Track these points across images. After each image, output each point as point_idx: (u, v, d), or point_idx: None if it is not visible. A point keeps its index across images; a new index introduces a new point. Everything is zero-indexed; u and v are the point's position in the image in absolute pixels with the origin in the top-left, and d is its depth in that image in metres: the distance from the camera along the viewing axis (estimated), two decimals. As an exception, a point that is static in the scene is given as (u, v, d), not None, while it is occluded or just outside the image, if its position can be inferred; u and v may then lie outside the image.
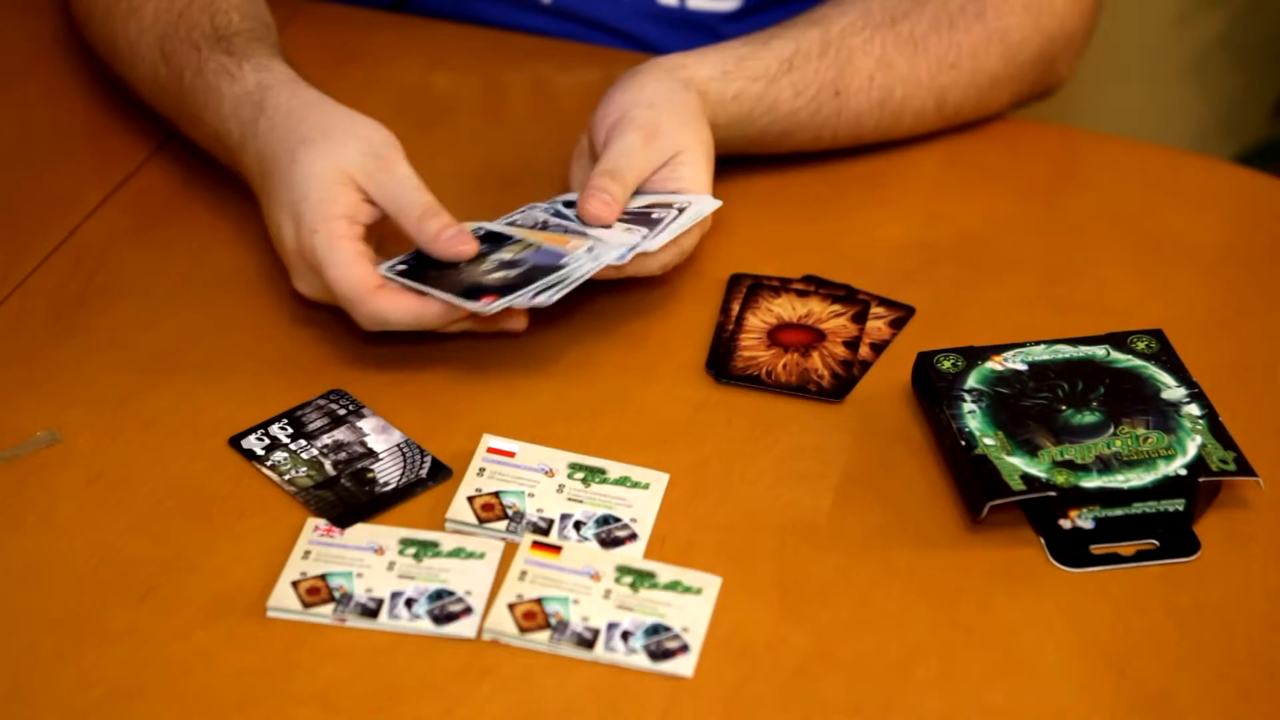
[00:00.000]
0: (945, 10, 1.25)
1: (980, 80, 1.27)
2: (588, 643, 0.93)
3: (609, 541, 0.99)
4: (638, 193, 1.12)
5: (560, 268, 1.05)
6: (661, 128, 1.12)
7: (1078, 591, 0.97)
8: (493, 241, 1.09)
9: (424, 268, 1.07)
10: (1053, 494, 0.98)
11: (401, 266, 1.07)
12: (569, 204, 1.12)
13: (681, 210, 1.09)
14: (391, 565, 0.97)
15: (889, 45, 1.23)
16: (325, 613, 0.95)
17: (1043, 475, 0.99)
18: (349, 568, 0.97)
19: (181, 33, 1.18)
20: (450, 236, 1.06)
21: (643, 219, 1.09)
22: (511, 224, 1.11)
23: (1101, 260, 1.22)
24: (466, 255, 1.06)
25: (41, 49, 1.40)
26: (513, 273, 1.05)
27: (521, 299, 1.03)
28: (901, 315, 1.16)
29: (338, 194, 1.07)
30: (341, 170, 1.07)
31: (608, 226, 1.09)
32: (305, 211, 1.06)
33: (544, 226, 1.10)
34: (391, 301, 1.05)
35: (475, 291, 1.04)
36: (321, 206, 1.06)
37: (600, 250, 1.06)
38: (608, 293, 1.14)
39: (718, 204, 1.11)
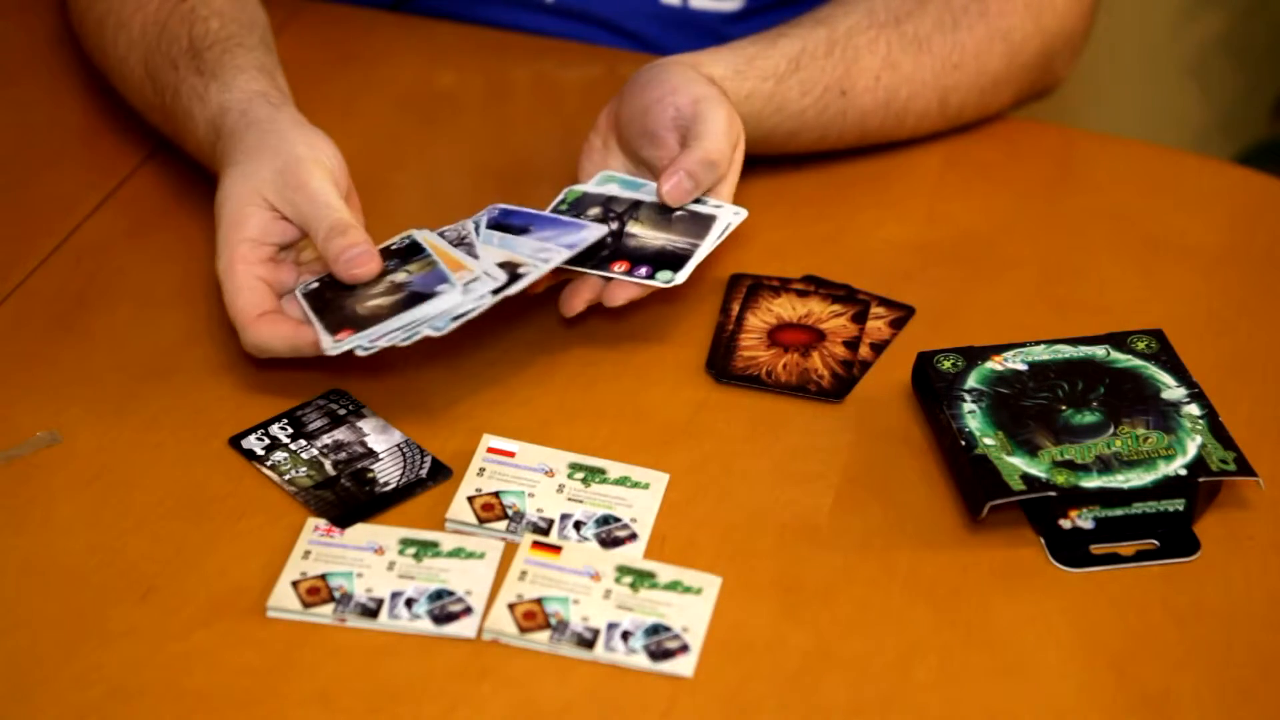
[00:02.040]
0: (948, 10, 1.25)
1: (983, 80, 1.27)
2: (588, 643, 0.93)
3: (609, 541, 0.99)
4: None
5: (432, 295, 1.03)
6: (732, 111, 1.13)
7: (1078, 591, 0.97)
8: (406, 256, 1.07)
9: (327, 289, 1.06)
10: (1053, 494, 0.98)
11: (314, 285, 1.06)
12: (503, 220, 1.10)
13: (711, 219, 1.09)
14: (391, 565, 0.97)
15: (894, 45, 1.23)
16: (325, 613, 0.95)
17: (1043, 475, 0.99)
18: (349, 568, 0.97)
19: (163, 49, 1.18)
20: (349, 258, 1.04)
21: (679, 223, 1.09)
22: (441, 234, 1.09)
23: (1101, 260, 1.22)
24: (363, 277, 1.04)
25: (40, 50, 1.40)
26: (387, 300, 1.04)
27: (369, 340, 1.01)
28: (901, 315, 1.16)
29: (246, 215, 1.06)
30: (253, 190, 1.06)
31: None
32: (219, 235, 1.06)
33: (461, 241, 1.08)
34: (270, 329, 1.04)
35: (341, 322, 1.03)
36: (227, 230, 1.06)
37: (478, 286, 1.03)
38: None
39: (744, 214, 1.11)
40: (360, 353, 1.01)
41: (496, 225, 1.09)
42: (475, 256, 1.06)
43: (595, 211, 1.11)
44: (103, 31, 1.25)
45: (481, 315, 1.02)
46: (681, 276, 1.06)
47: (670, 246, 1.08)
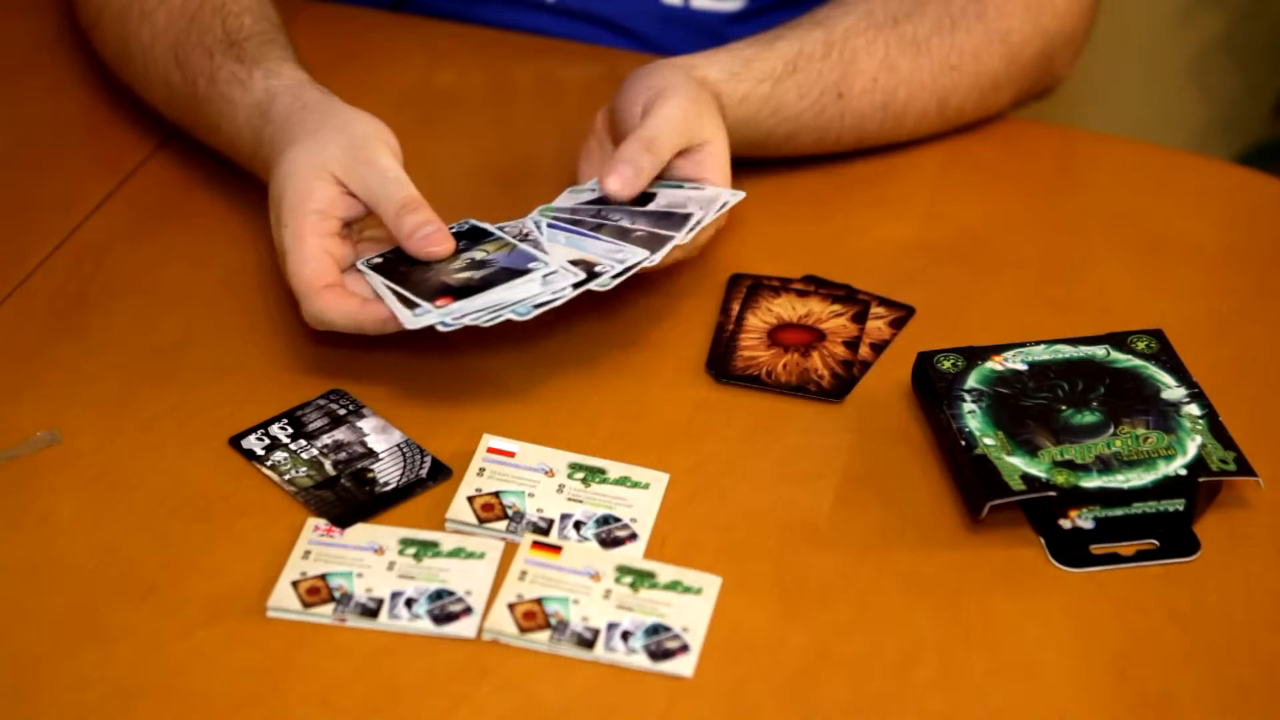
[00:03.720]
0: (947, 11, 1.25)
1: (982, 82, 1.27)
2: (588, 643, 0.93)
3: (609, 541, 0.99)
4: (655, 183, 1.11)
5: (525, 272, 1.03)
6: (700, 108, 1.11)
7: (1078, 591, 0.97)
8: (474, 238, 1.08)
9: (399, 263, 1.06)
10: (1053, 494, 0.98)
11: (378, 260, 1.06)
12: (559, 216, 1.10)
13: (702, 209, 1.09)
14: (391, 565, 0.97)
15: (892, 47, 1.23)
16: (325, 613, 0.95)
17: (1043, 475, 0.99)
18: (349, 568, 0.97)
19: (194, 38, 1.18)
20: (425, 235, 1.05)
21: (663, 219, 1.09)
22: (501, 228, 1.10)
23: (1101, 260, 1.22)
24: (439, 255, 1.05)
25: (42, 47, 1.40)
26: (477, 274, 1.04)
27: (452, 318, 1.01)
28: (901, 315, 1.16)
29: (313, 188, 1.06)
30: (320, 165, 1.06)
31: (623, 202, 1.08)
32: (282, 208, 1.06)
33: (524, 238, 1.08)
34: (333, 302, 1.04)
35: (432, 292, 1.03)
36: (295, 201, 1.06)
37: (557, 279, 1.04)
38: (608, 293, 1.14)
39: (741, 195, 1.10)
40: (443, 329, 1.01)
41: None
42: (544, 250, 1.06)
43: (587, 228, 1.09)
44: (124, 24, 1.25)
45: (558, 309, 1.02)
46: (658, 257, 1.05)
47: (647, 233, 1.07)
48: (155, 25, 1.22)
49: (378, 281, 1.05)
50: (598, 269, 1.04)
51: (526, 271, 1.04)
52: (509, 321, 1.01)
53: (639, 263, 1.04)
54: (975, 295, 1.18)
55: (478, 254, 1.06)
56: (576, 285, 1.03)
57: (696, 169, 1.11)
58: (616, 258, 1.05)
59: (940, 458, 1.05)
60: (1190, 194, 1.29)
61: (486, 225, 1.09)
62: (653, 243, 1.06)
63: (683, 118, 1.10)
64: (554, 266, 1.05)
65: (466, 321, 1.01)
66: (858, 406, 1.09)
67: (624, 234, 1.07)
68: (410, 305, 1.03)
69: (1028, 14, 1.27)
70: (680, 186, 1.11)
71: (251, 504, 1.01)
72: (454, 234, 1.07)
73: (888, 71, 1.23)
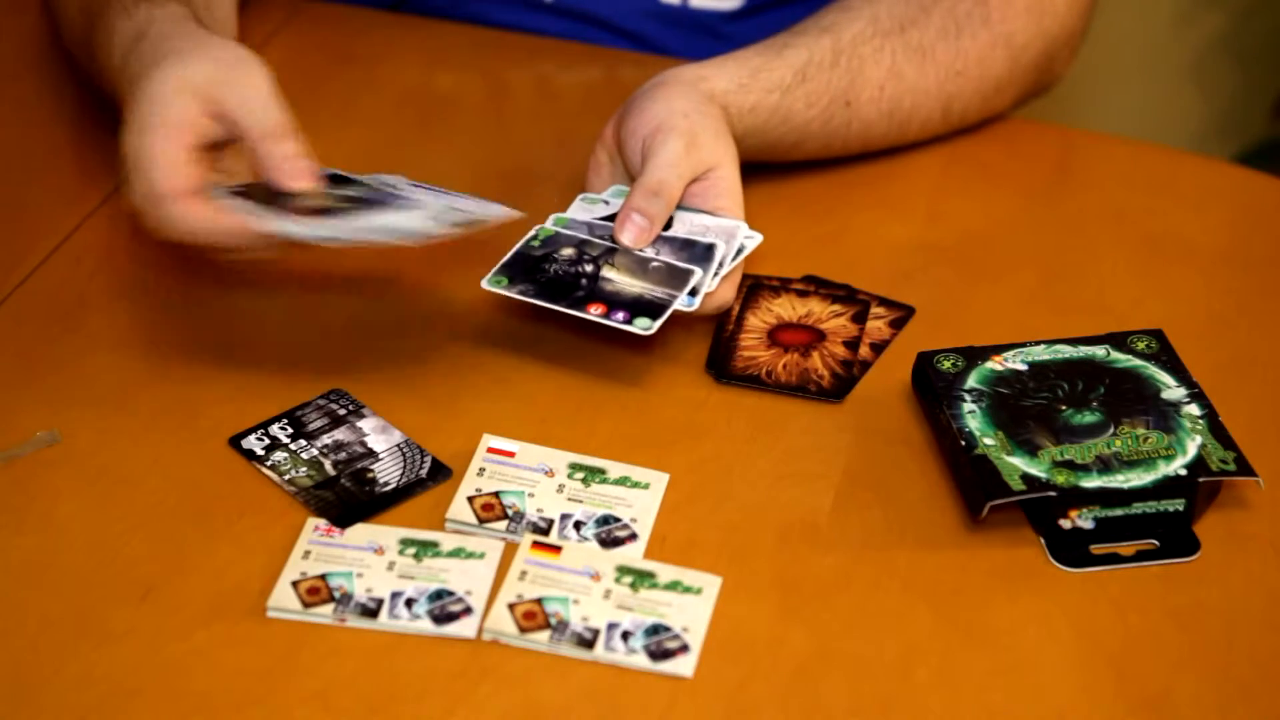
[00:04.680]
0: (951, 16, 1.25)
1: (986, 86, 1.27)
2: (588, 643, 0.93)
3: (609, 541, 0.99)
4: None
5: (384, 203, 0.99)
6: (700, 137, 1.10)
7: (1078, 591, 0.97)
8: (338, 182, 1.04)
9: (257, 195, 1.01)
10: (1053, 494, 0.98)
11: (239, 188, 1.02)
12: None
13: (725, 242, 1.08)
14: (391, 565, 0.97)
15: (898, 54, 1.23)
16: (325, 613, 0.95)
17: (1043, 475, 0.99)
18: (349, 568, 0.97)
19: None
20: (296, 166, 1.00)
21: (686, 248, 1.08)
22: (365, 178, 1.06)
23: (1101, 260, 1.22)
24: (304, 189, 1.01)
25: (41, 49, 1.40)
26: (340, 205, 1.00)
27: (311, 232, 0.96)
28: (901, 315, 1.16)
29: (177, 101, 1.02)
30: (185, 80, 1.02)
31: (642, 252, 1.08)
32: (136, 115, 1.02)
33: (391, 187, 1.05)
34: (195, 209, 0.99)
35: (298, 211, 0.99)
36: (152, 109, 1.01)
37: (428, 211, 0.99)
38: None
39: (759, 238, 1.09)
40: (304, 239, 0.96)
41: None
42: (414, 198, 1.04)
43: (569, 253, 1.08)
44: None
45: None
46: (657, 325, 1.04)
47: (648, 294, 1.06)
48: None
49: (240, 204, 1.00)
50: (466, 207, 1.01)
51: (388, 203, 1.00)
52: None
53: (676, 306, 1.04)
54: (975, 295, 1.18)
55: (342, 192, 1.03)
56: (448, 221, 0.99)
57: (707, 197, 1.11)
58: (490, 210, 1.03)
59: (940, 458, 1.04)
60: (1190, 194, 1.29)
61: (346, 173, 1.06)
62: (676, 278, 1.06)
63: (684, 152, 1.09)
64: (433, 209, 1.01)
65: (328, 234, 0.96)
66: (858, 406, 1.09)
67: (644, 265, 1.07)
68: (270, 216, 0.98)
69: (1030, 16, 1.27)
70: (698, 211, 1.11)
71: (251, 504, 1.01)
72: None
73: (894, 79, 1.23)
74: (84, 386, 1.09)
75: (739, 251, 1.09)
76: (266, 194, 1.02)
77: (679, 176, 1.09)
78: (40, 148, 1.31)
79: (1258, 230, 1.26)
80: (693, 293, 1.06)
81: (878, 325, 1.15)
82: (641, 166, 1.10)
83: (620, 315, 1.04)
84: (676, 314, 1.05)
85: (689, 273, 1.06)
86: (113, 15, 1.13)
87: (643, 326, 1.04)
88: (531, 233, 1.10)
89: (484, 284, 1.06)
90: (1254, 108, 2.31)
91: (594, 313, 1.05)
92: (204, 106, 1.02)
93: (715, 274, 1.07)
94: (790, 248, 1.21)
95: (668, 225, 1.09)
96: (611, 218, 1.10)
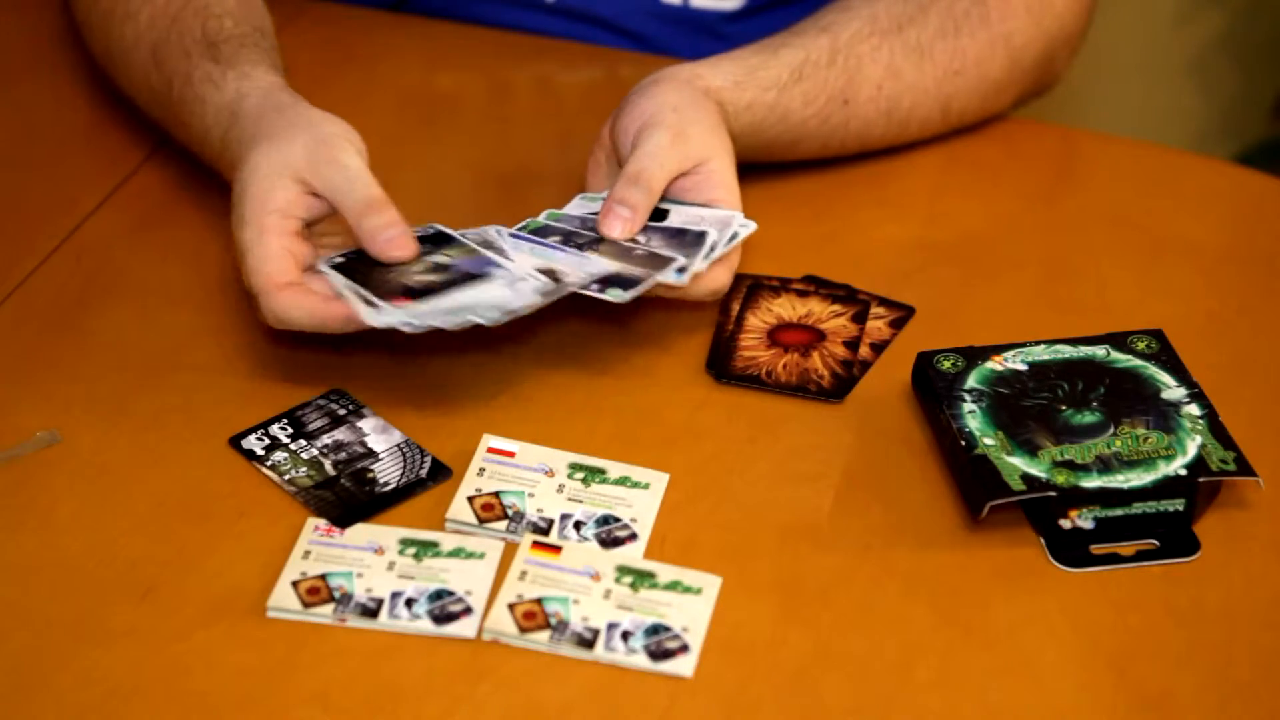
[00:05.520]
0: (950, 16, 1.25)
1: (985, 86, 1.27)
2: (588, 643, 0.93)
3: (609, 541, 0.99)
4: (667, 201, 1.10)
5: (483, 276, 1.03)
6: (689, 131, 1.10)
7: (1078, 591, 0.97)
8: (438, 243, 1.07)
9: (360, 264, 1.04)
10: (1053, 494, 0.98)
11: (340, 260, 1.05)
12: (530, 230, 1.09)
13: (718, 230, 1.07)
14: (391, 565, 0.97)
15: (896, 53, 1.23)
16: (325, 613, 0.95)
17: (1043, 475, 0.99)
18: (349, 568, 0.97)
19: (173, 39, 1.18)
20: (389, 237, 1.03)
21: (676, 236, 1.08)
22: (464, 234, 1.08)
23: (1101, 260, 1.22)
24: (402, 258, 1.04)
25: (42, 49, 1.40)
26: (439, 278, 1.03)
27: (417, 319, 0.99)
28: (901, 315, 1.16)
29: (275, 187, 1.05)
30: (284, 164, 1.05)
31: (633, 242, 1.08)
32: (244, 206, 1.05)
33: (487, 246, 1.07)
34: (295, 299, 1.03)
35: (390, 292, 1.02)
36: (257, 200, 1.05)
37: (525, 286, 1.03)
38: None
39: (753, 226, 1.09)
40: (407, 329, 1.00)
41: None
42: (507, 257, 1.05)
43: (555, 240, 1.08)
44: (109, 23, 1.25)
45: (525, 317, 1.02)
46: (630, 295, 1.03)
47: (626, 272, 1.05)
48: (138, 25, 1.22)
49: (339, 281, 1.03)
50: (565, 279, 1.03)
51: (485, 276, 1.03)
52: (480, 326, 1.00)
53: (655, 280, 1.04)
54: (975, 295, 1.18)
55: (441, 258, 1.05)
56: (545, 294, 1.02)
57: (700, 190, 1.10)
58: (584, 270, 1.04)
59: (940, 458, 1.05)
60: (1190, 194, 1.29)
61: (451, 231, 1.08)
62: (657, 261, 1.05)
63: (669, 144, 1.09)
64: (519, 273, 1.04)
65: (432, 323, 1.00)
66: (858, 406, 1.09)
67: (628, 251, 1.06)
68: (371, 305, 1.02)
69: (1029, 16, 1.27)
70: (693, 205, 1.10)
71: (251, 504, 1.01)
72: (420, 237, 1.06)
73: (892, 78, 1.23)
74: (84, 386, 1.09)
75: (732, 237, 1.08)
76: (369, 262, 1.04)
77: (660, 166, 1.09)
78: (40, 148, 1.32)
79: (1258, 230, 1.26)
80: (681, 271, 1.06)
81: (878, 325, 1.15)
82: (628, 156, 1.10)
83: (595, 286, 1.04)
84: (663, 291, 1.04)
85: (670, 259, 1.06)
86: (198, 82, 1.15)
87: (615, 296, 1.03)
88: (522, 223, 1.10)
89: None
90: (1254, 108, 2.31)
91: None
92: (303, 187, 1.05)
93: (705, 256, 1.07)
94: (790, 248, 1.21)
95: (662, 218, 1.09)
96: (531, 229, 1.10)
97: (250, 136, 1.08)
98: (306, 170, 1.05)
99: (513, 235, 1.08)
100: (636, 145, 1.10)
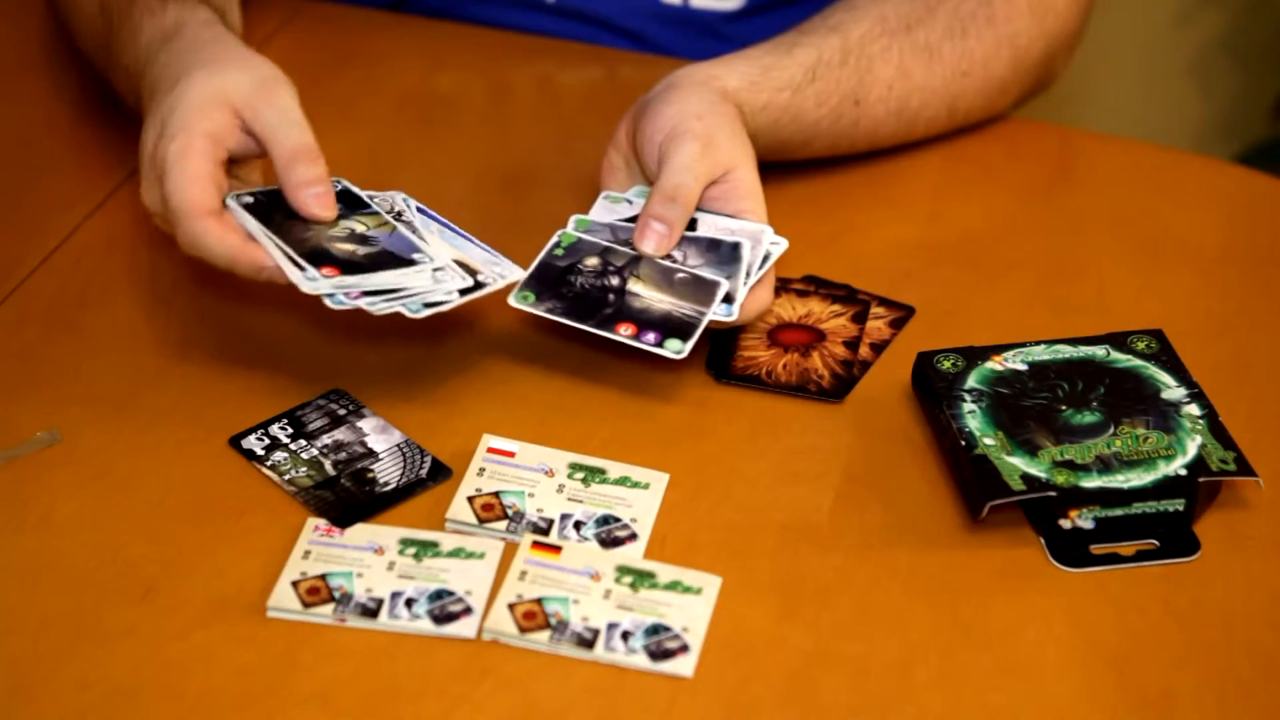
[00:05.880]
0: (957, 17, 1.25)
1: (990, 86, 1.28)
2: (588, 643, 0.93)
3: (609, 541, 0.99)
4: (695, 210, 1.09)
5: (409, 262, 1.02)
6: (716, 139, 1.10)
7: (1078, 591, 0.97)
8: (349, 204, 1.05)
9: (273, 210, 1.03)
10: (1053, 494, 0.98)
11: (249, 199, 1.04)
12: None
13: (752, 247, 1.07)
14: (391, 565, 0.97)
15: (906, 54, 1.23)
16: (325, 613, 0.95)
17: (1043, 475, 0.99)
18: (349, 568, 0.97)
19: None
20: (315, 194, 1.02)
21: (712, 249, 1.08)
22: (371, 197, 1.07)
23: (1101, 260, 1.22)
24: (321, 219, 1.03)
25: (41, 49, 1.40)
26: (361, 250, 1.02)
27: (348, 296, 0.99)
28: (901, 315, 1.16)
29: (212, 110, 1.03)
30: (222, 91, 1.04)
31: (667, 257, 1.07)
32: (172, 119, 1.03)
33: (397, 217, 1.06)
34: (216, 232, 1.01)
35: (315, 255, 1.01)
36: (190, 119, 1.03)
37: (446, 278, 1.02)
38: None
39: (784, 244, 1.09)
40: (331, 304, 0.99)
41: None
42: (422, 239, 1.05)
43: (593, 263, 1.07)
44: None
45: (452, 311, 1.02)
46: (688, 347, 1.03)
47: (677, 311, 1.05)
48: None
49: (255, 227, 1.02)
50: (481, 278, 1.03)
51: (412, 261, 1.02)
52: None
53: (707, 322, 1.04)
54: (975, 295, 1.18)
55: (357, 226, 1.04)
56: (464, 292, 1.02)
57: (729, 200, 1.10)
58: (495, 270, 1.04)
59: (940, 458, 1.04)
60: (1190, 194, 1.29)
61: (358, 190, 1.07)
62: (703, 291, 1.05)
63: (700, 155, 1.09)
64: (441, 263, 1.03)
65: (359, 304, 0.99)
66: (858, 406, 1.09)
67: (669, 276, 1.06)
68: (300, 268, 1.00)
69: (1033, 16, 1.27)
70: (721, 215, 1.10)
71: (251, 504, 1.01)
72: None
73: (902, 78, 1.23)
74: (84, 386, 1.09)
75: (765, 259, 1.08)
76: (279, 207, 1.03)
77: (695, 179, 1.08)
78: (40, 148, 1.32)
79: (1258, 230, 1.26)
80: (728, 299, 1.05)
81: (878, 325, 1.15)
82: (658, 171, 1.09)
83: (651, 337, 1.04)
84: (713, 325, 1.04)
85: (715, 285, 1.05)
86: (138, 13, 1.13)
87: (674, 350, 1.03)
88: (554, 239, 1.08)
89: (511, 301, 1.05)
90: (1254, 108, 2.31)
91: (623, 333, 1.04)
92: (237, 120, 1.04)
93: (745, 283, 1.06)
94: (790, 247, 1.20)
95: (692, 226, 1.09)
96: (634, 219, 1.09)
97: (188, 62, 1.06)
98: (243, 104, 1.03)
99: (420, 210, 1.07)
100: (666, 157, 1.09)
